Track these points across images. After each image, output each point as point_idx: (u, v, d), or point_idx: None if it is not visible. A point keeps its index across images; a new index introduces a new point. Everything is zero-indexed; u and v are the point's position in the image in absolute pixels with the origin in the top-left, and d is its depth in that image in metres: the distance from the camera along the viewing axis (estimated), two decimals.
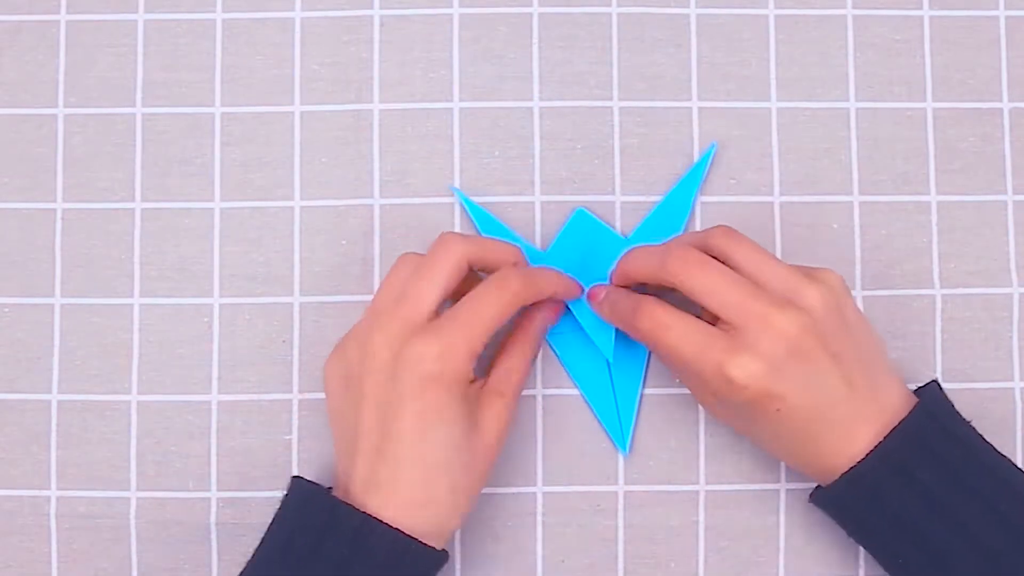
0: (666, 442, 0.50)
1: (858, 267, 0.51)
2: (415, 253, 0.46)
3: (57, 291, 0.51)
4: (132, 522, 0.50)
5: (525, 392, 0.50)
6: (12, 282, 0.51)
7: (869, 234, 0.51)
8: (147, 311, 0.51)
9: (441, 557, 0.44)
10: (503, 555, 0.50)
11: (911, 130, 0.52)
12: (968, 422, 0.44)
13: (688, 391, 0.50)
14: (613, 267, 0.48)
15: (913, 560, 0.43)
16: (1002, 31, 0.53)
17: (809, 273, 0.44)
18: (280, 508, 0.45)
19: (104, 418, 0.50)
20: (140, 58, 0.52)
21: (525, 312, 0.48)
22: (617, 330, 0.49)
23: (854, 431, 0.43)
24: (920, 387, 0.46)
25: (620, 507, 0.50)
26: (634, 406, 0.50)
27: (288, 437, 0.50)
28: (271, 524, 0.44)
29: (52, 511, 0.50)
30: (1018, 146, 0.52)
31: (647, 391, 0.50)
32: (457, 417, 0.43)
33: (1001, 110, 0.52)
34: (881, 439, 0.42)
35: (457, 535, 0.50)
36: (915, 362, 0.51)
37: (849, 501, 0.44)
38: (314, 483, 0.45)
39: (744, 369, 0.42)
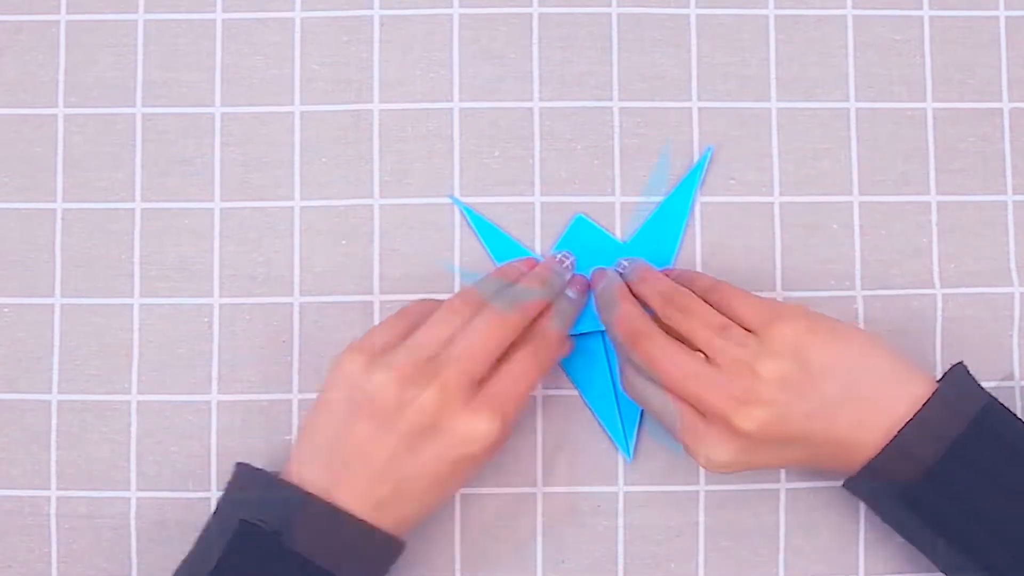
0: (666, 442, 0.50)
1: (858, 267, 0.51)
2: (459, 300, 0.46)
3: (57, 291, 0.51)
4: (132, 522, 0.50)
5: None
6: (12, 282, 0.51)
7: (869, 234, 0.51)
8: (147, 311, 0.51)
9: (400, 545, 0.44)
10: (503, 555, 0.50)
11: (911, 130, 0.52)
12: (989, 408, 0.44)
13: None
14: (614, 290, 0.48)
15: (943, 549, 0.44)
16: (1002, 31, 0.53)
17: (765, 336, 0.43)
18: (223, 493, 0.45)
19: (104, 418, 0.50)
20: (140, 58, 0.52)
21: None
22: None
23: (863, 427, 0.43)
24: (946, 372, 0.45)
25: (620, 507, 0.50)
26: (638, 411, 0.50)
27: (288, 437, 0.50)
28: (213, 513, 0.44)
29: (52, 511, 0.50)
30: (1018, 146, 0.52)
31: None
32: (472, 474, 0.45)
33: (1001, 110, 0.52)
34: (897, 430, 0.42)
35: (457, 535, 0.50)
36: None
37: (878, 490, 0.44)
38: (258, 468, 0.45)
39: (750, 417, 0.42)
